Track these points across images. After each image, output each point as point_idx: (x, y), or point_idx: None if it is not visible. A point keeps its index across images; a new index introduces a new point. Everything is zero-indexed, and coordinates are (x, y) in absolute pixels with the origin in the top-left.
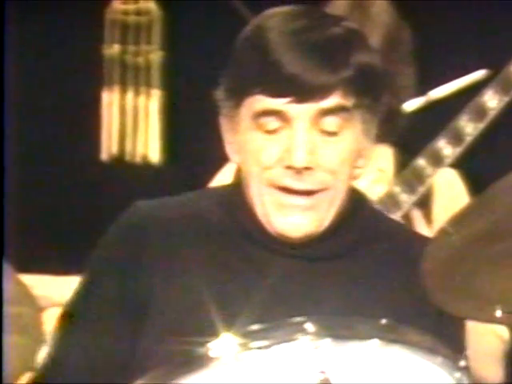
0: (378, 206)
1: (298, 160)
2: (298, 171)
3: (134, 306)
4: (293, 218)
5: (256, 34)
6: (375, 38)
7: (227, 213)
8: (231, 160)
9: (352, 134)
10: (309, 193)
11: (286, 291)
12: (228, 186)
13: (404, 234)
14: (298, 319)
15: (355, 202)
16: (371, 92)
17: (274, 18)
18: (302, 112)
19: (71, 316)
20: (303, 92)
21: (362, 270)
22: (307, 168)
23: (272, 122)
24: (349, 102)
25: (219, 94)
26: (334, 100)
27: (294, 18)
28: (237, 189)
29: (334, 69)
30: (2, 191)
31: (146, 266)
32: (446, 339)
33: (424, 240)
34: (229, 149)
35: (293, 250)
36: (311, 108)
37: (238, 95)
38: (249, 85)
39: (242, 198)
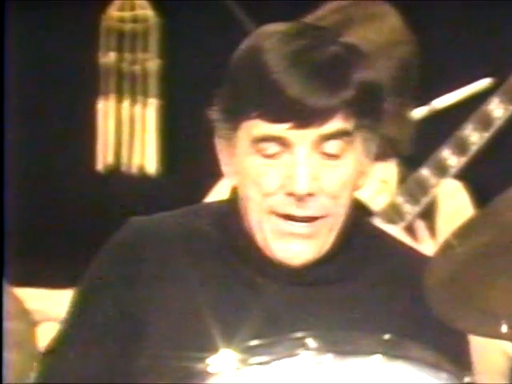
0: (378, 222)
1: (300, 187)
2: (301, 198)
3: (129, 324)
4: (293, 246)
5: (252, 56)
6: (369, 37)
7: (224, 234)
8: (228, 181)
9: (354, 155)
10: (310, 219)
11: (284, 316)
12: (224, 203)
13: (404, 253)
14: (299, 334)
15: (355, 221)
16: (372, 112)
17: (270, 38)
18: (302, 137)
19: (65, 333)
20: (304, 117)
21: (362, 292)
22: (310, 194)
23: (272, 147)
24: (350, 124)
25: (214, 114)
26: (335, 124)
27: (292, 37)
28: (233, 208)
29: (335, 90)
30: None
31: (141, 284)
32: (450, 356)
33: (424, 258)
34: (225, 170)
35: (290, 276)
36: (312, 133)
37: (235, 118)
38: (246, 108)
39: (239, 219)
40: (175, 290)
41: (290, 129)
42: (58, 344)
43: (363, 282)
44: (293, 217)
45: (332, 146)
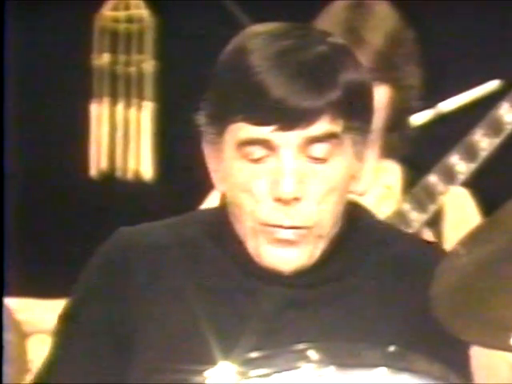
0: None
1: (286, 191)
2: (287, 202)
3: (120, 336)
4: (282, 252)
5: (237, 57)
6: (378, 34)
7: (216, 242)
8: (216, 189)
9: (342, 159)
10: (296, 228)
11: (283, 320)
12: (215, 210)
13: (407, 242)
14: (301, 346)
15: (352, 222)
16: (361, 113)
17: (255, 38)
18: (288, 140)
19: (57, 348)
20: (289, 119)
21: (363, 289)
22: (296, 198)
23: (257, 151)
24: (338, 126)
25: (201, 119)
26: (322, 126)
27: (277, 38)
28: (224, 215)
29: (321, 91)
30: None
31: (131, 296)
32: (452, 365)
33: (426, 245)
34: (214, 177)
35: (286, 279)
36: (298, 135)
37: (221, 122)
38: (230, 112)
39: (230, 227)
40: (168, 300)
41: (274, 131)
42: (50, 359)
43: (363, 278)
44: (281, 226)
45: (319, 149)
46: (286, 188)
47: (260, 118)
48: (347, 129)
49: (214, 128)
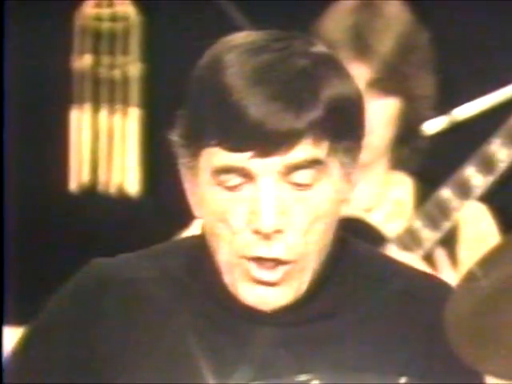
0: (393, 250)
1: (265, 225)
2: (267, 236)
3: (80, 372)
4: (260, 291)
5: (211, 73)
6: (388, 41)
7: (196, 277)
8: (195, 214)
9: (329, 183)
10: (278, 263)
11: (271, 362)
12: (196, 240)
13: (403, 276)
14: (304, 377)
15: (341, 251)
16: (349, 131)
17: (231, 52)
18: (266, 168)
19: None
20: (266, 144)
21: (356, 325)
22: (277, 231)
23: (233, 179)
24: (322, 149)
25: (174, 138)
26: (303, 151)
27: (254, 52)
28: (204, 246)
29: (301, 111)
30: None
31: (102, 334)
32: None
33: (429, 280)
34: (190, 201)
35: (270, 318)
36: (278, 162)
37: (195, 145)
38: (205, 135)
39: (209, 260)
40: (147, 334)
41: (251, 158)
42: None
43: (357, 315)
44: (261, 259)
45: (302, 176)
46: (265, 221)
47: (236, 144)
48: (333, 151)
49: (189, 151)
